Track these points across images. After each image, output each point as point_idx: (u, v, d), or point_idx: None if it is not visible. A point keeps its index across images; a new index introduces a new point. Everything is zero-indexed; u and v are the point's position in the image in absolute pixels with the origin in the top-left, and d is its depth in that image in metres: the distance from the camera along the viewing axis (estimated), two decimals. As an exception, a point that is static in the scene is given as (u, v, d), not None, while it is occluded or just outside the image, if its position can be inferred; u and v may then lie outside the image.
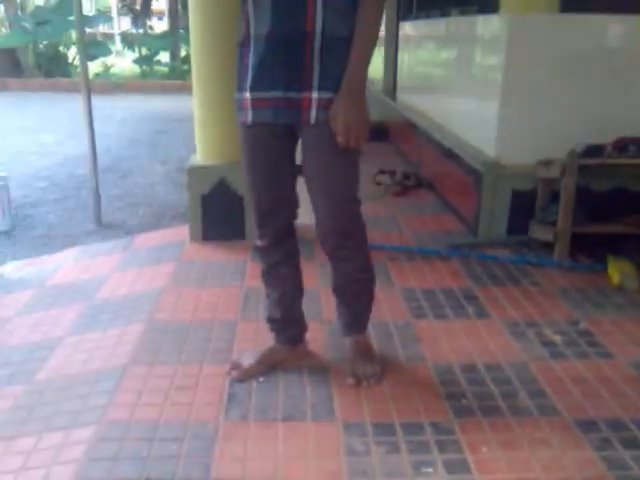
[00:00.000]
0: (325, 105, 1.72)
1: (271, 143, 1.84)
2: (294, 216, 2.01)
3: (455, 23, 4.48)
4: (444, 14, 4.76)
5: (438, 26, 4.95)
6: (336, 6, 1.66)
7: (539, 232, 3.23)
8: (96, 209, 4.24)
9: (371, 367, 2.05)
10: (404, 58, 6.22)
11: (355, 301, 2.08)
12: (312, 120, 1.73)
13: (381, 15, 1.74)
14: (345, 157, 1.79)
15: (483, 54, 3.77)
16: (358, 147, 1.77)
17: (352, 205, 1.89)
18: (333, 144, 1.74)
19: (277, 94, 1.73)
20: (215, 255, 3.24)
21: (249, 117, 1.81)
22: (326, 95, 1.72)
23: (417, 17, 5.84)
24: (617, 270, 2.85)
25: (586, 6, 3.28)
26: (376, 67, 7.58)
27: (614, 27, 3.28)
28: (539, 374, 2.11)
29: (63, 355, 2.31)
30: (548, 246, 3.16)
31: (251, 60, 1.75)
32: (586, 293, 2.77)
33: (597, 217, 3.16)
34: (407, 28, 6.13)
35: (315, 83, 1.70)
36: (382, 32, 6.98)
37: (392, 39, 6.60)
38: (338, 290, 2.08)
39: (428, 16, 5.31)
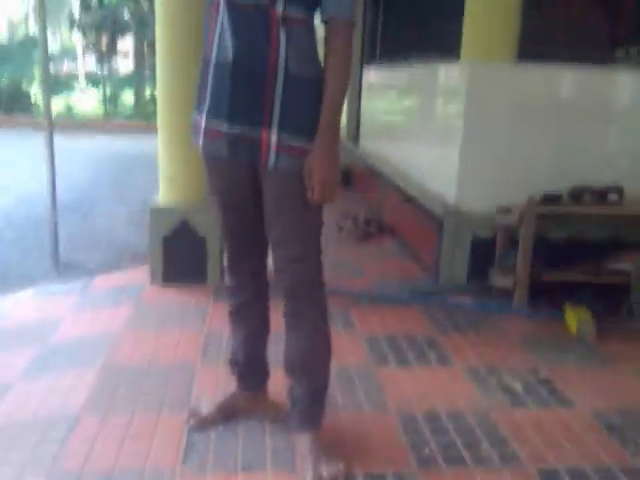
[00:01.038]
0: (287, 151, 1.63)
1: (231, 177, 1.77)
2: (267, 255, 1.93)
3: (417, 70, 4.60)
4: (407, 60, 4.88)
5: (400, 73, 5.08)
6: (301, 43, 1.61)
7: (499, 279, 3.28)
8: (53, 249, 4.14)
9: (335, 467, 1.81)
10: (367, 104, 6.34)
11: (309, 376, 1.87)
12: (271, 164, 1.64)
13: (350, 60, 1.66)
14: (309, 209, 1.69)
15: (444, 101, 3.87)
16: (330, 203, 1.69)
17: (308, 262, 1.76)
18: (296, 195, 1.66)
19: (234, 130, 1.64)
20: (176, 298, 3.18)
21: (200, 143, 1.74)
22: (288, 139, 1.63)
23: (380, 62, 5.99)
24: (574, 318, 2.91)
25: (543, 55, 3.42)
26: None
27: (569, 76, 3.42)
28: (501, 422, 2.11)
29: (13, 401, 2.22)
30: (508, 292, 3.21)
31: (210, 82, 1.67)
32: (545, 341, 2.81)
33: (555, 264, 3.23)
34: (371, 74, 6.27)
35: (275, 122, 1.61)
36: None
37: (356, 84, 6.73)
38: (290, 362, 1.88)
39: (391, 61, 5.44)
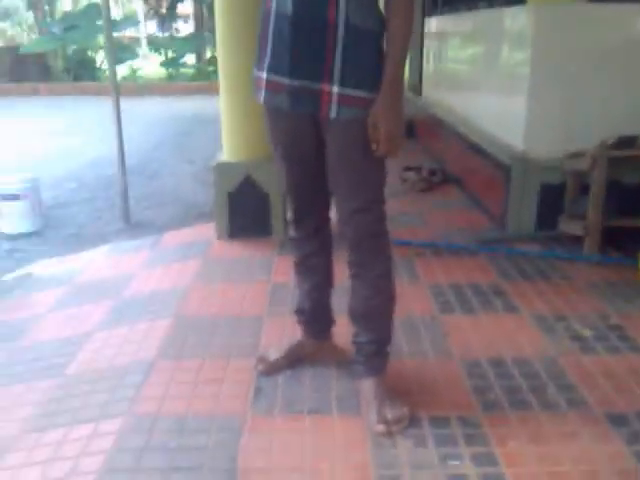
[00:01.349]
0: (348, 102, 1.62)
1: (294, 130, 1.77)
2: (330, 207, 1.94)
3: (481, 16, 4.43)
4: (470, 8, 4.71)
5: (464, 20, 4.91)
6: None
7: (569, 226, 3.18)
8: (124, 208, 4.29)
9: (399, 410, 1.83)
10: (430, 54, 6.18)
11: (373, 326, 1.89)
12: (332, 115, 1.63)
13: (412, 15, 1.63)
14: (372, 160, 1.69)
15: (510, 47, 3.72)
16: (395, 156, 1.68)
17: (373, 213, 1.77)
18: (359, 145, 1.66)
19: (295, 83, 1.64)
20: (241, 252, 3.25)
21: (261, 98, 1.74)
22: (349, 90, 1.61)
23: (442, 12, 5.79)
24: (649, 264, 2.80)
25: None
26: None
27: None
28: (568, 368, 2.08)
29: (92, 350, 2.35)
30: (578, 240, 3.11)
31: (271, 36, 1.66)
32: (616, 287, 2.72)
33: (628, 210, 3.10)
34: (432, 24, 6.09)
35: (336, 75, 1.60)
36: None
37: (417, 35, 6.55)
38: (354, 312, 1.91)
39: (453, 11, 5.26)
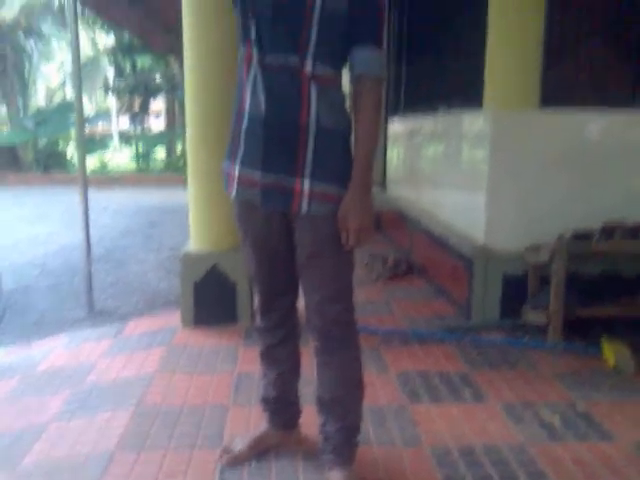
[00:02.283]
0: (319, 197, 1.67)
1: (264, 224, 1.80)
2: (297, 298, 1.96)
3: (441, 119, 4.68)
4: (431, 110, 4.98)
5: (425, 122, 5.16)
6: (330, 98, 1.67)
7: (532, 316, 3.23)
8: (88, 296, 4.23)
9: None
10: (393, 151, 6.44)
11: (342, 414, 1.85)
12: (303, 211, 1.68)
13: (380, 115, 1.71)
14: (342, 252, 1.72)
15: (469, 147, 3.91)
16: (364, 246, 1.73)
17: (342, 302, 1.78)
18: (329, 240, 1.70)
19: (267, 178, 1.69)
20: (207, 340, 3.20)
21: (234, 192, 1.78)
22: (320, 187, 1.67)
23: (405, 113, 6.10)
24: (612, 352, 2.84)
25: (566, 100, 3.47)
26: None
27: (594, 120, 3.44)
28: (538, 456, 2.06)
29: (49, 440, 2.24)
30: (542, 329, 3.16)
31: (244, 134, 1.72)
32: (582, 375, 2.75)
33: (588, 300, 3.18)
34: (396, 123, 6.38)
35: (307, 171, 1.66)
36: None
37: (381, 133, 6.84)
38: (322, 400, 1.88)
39: (415, 111, 5.54)
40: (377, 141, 1.71)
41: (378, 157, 6.94)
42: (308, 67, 1.63)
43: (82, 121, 4.33)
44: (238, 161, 1.74)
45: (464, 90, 4.21)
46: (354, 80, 1.67)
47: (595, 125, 3.46)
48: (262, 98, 1.66)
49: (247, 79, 1.70)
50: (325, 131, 1.66)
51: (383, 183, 6.70)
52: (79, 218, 4.22)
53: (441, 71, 4.90)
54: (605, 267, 3.36)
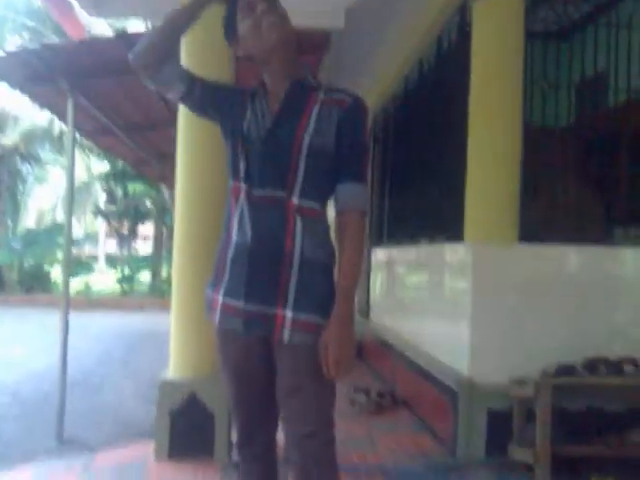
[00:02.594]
0: (301, 327, 1.67)
1: (245, 352, 1.78)
2: (277, 430, 1.89)
3: (423, 249, 4.79)
4: (413, 241, 5.11)
5: (407, 252, 5.28)
6: (315, 231, 1.72)
7: (519, 453, 3.14)
8: (58, 425, 4.05)
9: None
10: (376, 280, 6.51)
11: None
12: (285, 339, 1.67)
13: (362, 247, 1.75)
14: (323, 383, 1.69)
15: (451, 278, 3.98)
16: (345, 378, 1.70)
17: (322, 436, 1.73)
18: (310, 369, 1.68)
19: (250, 307, 1.69)
20: (181, 476, 3.05)
21: (216, 320, 1.77)
22: (302, 316, 1.67)
23: (387, 244, 6.24)
24: (602, 494, 2.74)
25: (545, 235, 3.59)
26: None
27: (572, 255, 3.56)
28: None
29: None
30: (529, 467, 3.05)
31: (229, 262, 1.74)
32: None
33: (575, 436, 3.11)
34: (379, 253, 6.51)
35: (290, 301, 1.67)
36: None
37: (365, 263, 6.96)
38: None
39: (397, 243, 5.68)
40: (359, 272, 1.73)
41: (362, 286, 7.00)
42: (294, 201, 1.69)
43: (70, 243, 4.39)
44: (222, 290, 1.75)
45: (445, 222, 4.35)
46: (338, 213, 1.73)
47: (573, 260, 3.58)
48: (249, 229, 1.71)
49: (235, 211, 1.75)
50: (309, 261, 1.69)
51: (367, 312, 6.71)
52: (58, 341, 4.15)
53: (422, 203, 5.08)
54: (591, 402, 3.32)
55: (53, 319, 4.89)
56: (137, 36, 4.90)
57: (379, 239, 6.68)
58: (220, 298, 1.76)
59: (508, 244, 3.52)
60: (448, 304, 3.96)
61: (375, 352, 5.84)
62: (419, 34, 4.99)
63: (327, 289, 1.72)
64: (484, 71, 3.66)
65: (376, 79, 6.75)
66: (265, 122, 1.74)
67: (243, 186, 1.73)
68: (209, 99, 1.83)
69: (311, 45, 5.18)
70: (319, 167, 1.71)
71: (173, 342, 3.44)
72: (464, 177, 3.72)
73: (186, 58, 3.29)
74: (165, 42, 1.76)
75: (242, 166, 1.74)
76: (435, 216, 4.65)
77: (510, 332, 3.44)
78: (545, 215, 3.96)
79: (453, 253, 3.96)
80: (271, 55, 1.75)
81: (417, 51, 5.24)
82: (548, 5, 3.87)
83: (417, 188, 5.29)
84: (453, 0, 4.16)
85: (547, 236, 3.63)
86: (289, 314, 1.67)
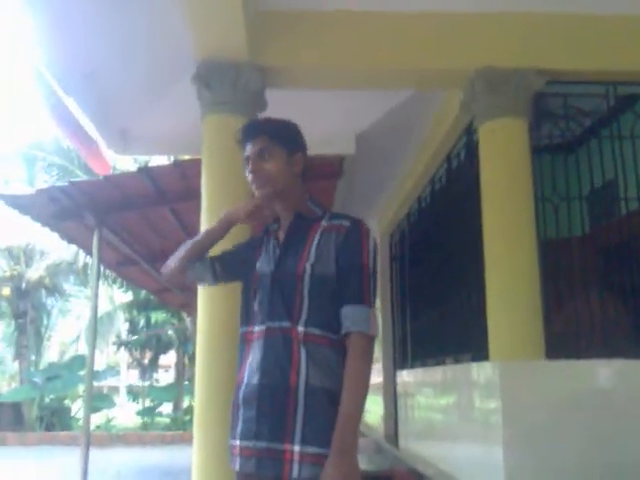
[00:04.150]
0: (309, 460, 1.65)
1: None
2: None
3: (449, 371, 4.66)
4: (437, 362, 4.98)
5: (433, 374, 5.13)
6: (321, 358, 1.71)
7: None
8: None
9: None
10: (403, 404, 6.28)
11: None
12: (294, 474, 1.65)
13: (369, 369, 1.73)
14: None
15: (480, 400, 3.83)
16: None
17: None
18: None
19: (260, 444, 1.70)
20: None
21: (237, 465, 1.77)
22: (310, 449, 1.66)
23: (413, 366, 6.09)
24: None
25: (572, 350, 3.49)
26: (375, 414, 7.60)
27: (600, 371, 3.43)
28: None
29: None
30: None
31: (241, 404, 1.77)
32: None
33: None
34: (404, 377, 6.33)
35: (297, 436, 1.67)
36: (380, 380, 7.20)
37: (390, 387, 6.77)
38: None
39: (423, 364, 5.54)
40: (363, 398, 1.69)
41: (388, 411, 6.76)
42: (299, 329, 1.72)
43: (91, 383, 4.35)
44: (238, 434, 1.77)
45: (469, 341, 4.25)
46: (344, 337, 1.72)
47: (603, 375, 3.44)
48: (257, 365, 1.75)
49: (245, 353, 1.81)
50: (314, 391, 1.69)
51: (395, 439, 6.42)
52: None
53: (444, 323, 5.01)
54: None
55: (73, 459, 4.73)
56: (158, 170, 5.14)
57: (404, 361, 6.54)
58: (237, 442, 1.77)
59: (535, 361, 3.41)
60: (478, 426, 3.77)
61: (406, 482, 5.51)
62: (428, 155, 5.16)
63: (335, 417, 1.67)
64: (494, 188, 3.73)
65: (390, 199, 6.91)
66: (275, 256, 1.84)
67: (253, 324, 1.80)
68: (231, 270, 2.02)
69: (325, 171, 5.39)
70: (323, 294, 1.75)
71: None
72: (484, 295, 3.68)
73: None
74: (192, 258, 1.99)
75: (254, 303, 1.82)
76: (458, 335, 4.57)
77: (545, 452, 3.24)
78: (570, 328, 3.87)
79: (479, 373, 3.84)
80: (271, 200, 1.88)
81: (428, 171, 5.40)
82: (551, 121, 3.99)
83: (438, 307, 5.24)
84: (460, 122, 4.33)
85: (574, 350, 3.52)
86: (297, 448, 1.66)
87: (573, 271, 3.95)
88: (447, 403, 4.73)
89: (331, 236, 1.79)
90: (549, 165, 3.95)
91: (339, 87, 4.19)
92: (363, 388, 1.70)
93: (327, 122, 4.83)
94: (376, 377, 7.63)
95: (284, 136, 1.87)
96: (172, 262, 2.01)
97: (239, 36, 3.40)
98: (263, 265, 1.85)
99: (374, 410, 7.99)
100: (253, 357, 1.77)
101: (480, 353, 3.80)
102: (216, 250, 2.02)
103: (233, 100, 3.58)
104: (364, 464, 6.02)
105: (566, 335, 3.80)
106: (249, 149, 1.86)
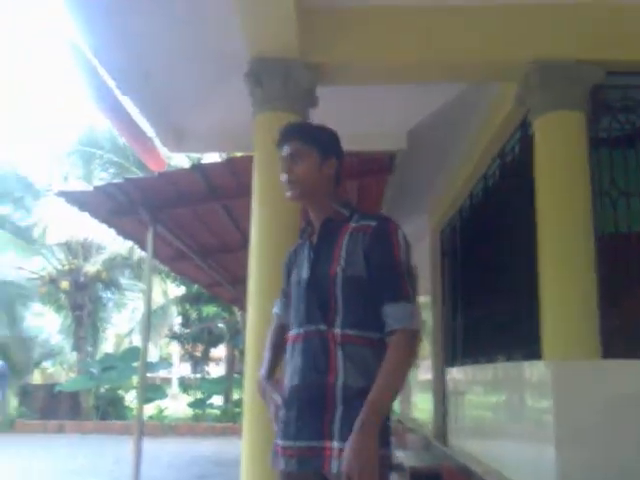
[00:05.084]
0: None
1: None
2: None
3: (501, 369, 4.58)
4: (488, 360, 4.91)
5: (484, 372, 5.06)
6: (357, 358, 1.76)
7: None
8: None
9: None
10: (452, 402, 6.22)
11: None
12: (334, 469, 1.69)
13: (407, 364, 1.73)
14: None
15: (532, 399, 3.76)
16: None
17: None
18: None
19: (301, 444, 1.76)
20: None
21: (281, 464, 1.82)
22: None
23: (463, 363, 6.02)
24: None
25: (628, 350, 3.38)
26: (424, 411, 7.55)
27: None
28: None
29: None
30: None
31: (284, 406, 1.84)
32: None
33: None
34: (453, 373, 6.27)
35: (336, 433, 1.71)
36: (429, 377, 7.15)
37: (440, 384, 6.71)
38: None
39: (473, 362, 5.47)
40: (394, 390, 1.72)
41: (438, 409, 6.71)
42: (335, 332, 1.78)
43: (145, 375, 4.46)
44: (280, 434, 1.84)
45: (521, 339, 4.17)
46: (388, 336, 1.75)
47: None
48: (298, 368, 1.81)
49: (289, 357, 1.88)
50: (351, 391, 1.73)
51: (444, 437, 6.37)
52: (129, 471, 4.11)
53: (496, 320, 4.93)
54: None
55: (127, 448, 4.87)
56: (210, 166, 5.22)
57: (453, 358, 6.47)
58: (280, 442, 1.83)
59: (589, 360, 3.33)
60: (530, 425, 3.71)
61: (456, 480, 5.46)
62: (481, 150, 5.08)
63: None
64: (550, 183, 3.65)
65: (441, 195, 6.84)
66: (310, 260, 1.90)
67: (294, 328, 1.87)
68: None
69: (376, 167, 5.38)
70: (356, 295, 1.79)
71: (244, 472, 3.34)
72: (537, 291, 3.60)
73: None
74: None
75: (292, 310, 1.90)
76: (510, 332, 4.49)
77: (598, 454, 3.16)
78: (627, 326, 3.75)
79: (532, 372, 3.76)
80: (301, 201, 1.96)
81: (480, 166, 5.31)
82: (610, 114, 3.87)
83: (489, 304, 5.16)
84: (514, 116, 4.25)
85: (631, 348, 3.41)
86: (336, 445, 1.70)
87: (632, 267, 3.82)
88: (498, 401, 4.66)
89: (358, 237, 1.83)
90: (607, 159, 3.84)
91: (390, 82, 4.17)
92: (396, 380, 1.72)
93: (378, 118, 4.81)
94: (425, 374, 7.57)
95: (318, 140, 1.92)
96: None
97: (290, 33, 3.42)
98: (300, 270, 1.92)
99: (423, 407, 7.94)
100: (294, 360, 1.84)
101: (532, 350, 3.72)
102: (276, 290, 2.11)
103: (284, 97, 3.60)
104: (412, 460, 5.99)
105: (623, 333, 3.69)
106: (284, 150, 1.92)
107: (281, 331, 2.05)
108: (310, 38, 3.62)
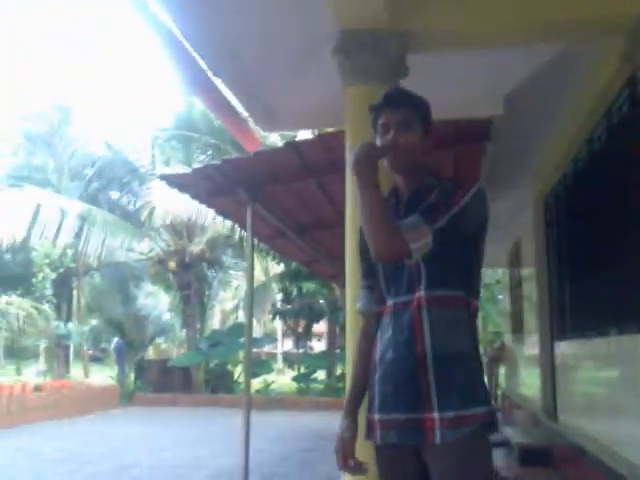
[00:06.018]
0: (450, 424, 1.69)
1: (400, 468, 1.81)
2: None
3: (614, 342, 4.33)
4: (600, 333, 4.65)
5: (596, 346, 4.80)
6: (445, 320, 1.74)
7: None
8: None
9: None
10: (562, 377, 5.97)
11: None
12: (437, 440, 1.69)
13: (368, 208, 1.74)
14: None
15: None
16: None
17: None
18: (461, 468, 1.68)
19: (399, 416, 1.75)
20: None
21: (377, 438, 1.82)
22: (448, 414, 1.70)
23: (572, 337, 5.74)
24: None
25: None
26: (532, 387, 7.30)
27: None
28: None
29: None
30: None
31: (378, 380, 1.82)
32: None
33: None
34: (563, 347, 6.00)
35: (434, 404, 1.71)
36: (536, 351, 6.90)
37: (548, 358, 6.46)
38: None
39: (583, 335, 5.21)
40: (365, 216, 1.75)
41: (547, 384, 6.47)
42: (420, 294, 1.75)
43: (250, 347, 4.58)
44: (376, 409, 1.82)
45: (635, 311, 3.91)
46: None
47: None
48: (389, 341, 1.80)
49: (381, 331, 1.86)
50: (442, 357, 1.72)
51: (554, 414, 6.13)
52: (239, 442, 4.25)
53: (609, 292, 4.64)
54: None
55: (235, 419, 5.05)
56: (303, 143, 5.23)
57: (562, 332, 6.18)
58: (376, 416, 1.82)
59: None
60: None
61: (567, 459, 5.26)
62: (584, 113, 4.77)
63: (466, 378, 1.72)
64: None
65: (543, 162, 6.51)
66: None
67: (386, 301, 1.86)
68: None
69: (472, 134, 5.18)
70: (440, 255, 1.72)
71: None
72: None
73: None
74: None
75: (383, 284, 1.88)
76: (623, 305, 4.22)
77: None
78: None
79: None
80: (400, 174, 1.88)
81: (584, 130, 4.99)
82: None
83: (600, 275, 4.87)
84: (620, 74, 3.94)
85: None
86: (436, 415, 1.70)
87: None
88: (611, 376, 4.42)
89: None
90: None
91: (484, 46, 3.97)
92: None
93: (472, 83, 4.60)
94: (532, 349, 7.31)
95: (423, 111, 1.87)
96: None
97: (378, 2, 3.32)
98: None
99: (530, 382, 7.68)
100: (385, 333, 1.82)
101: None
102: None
103: (374, 68, 3.52)
104: (521, 437, 5.83)
105: None
106: (389, 117, 1.83)
107: (369, 335, 1.97)
108: (398, 5, 3.50)
